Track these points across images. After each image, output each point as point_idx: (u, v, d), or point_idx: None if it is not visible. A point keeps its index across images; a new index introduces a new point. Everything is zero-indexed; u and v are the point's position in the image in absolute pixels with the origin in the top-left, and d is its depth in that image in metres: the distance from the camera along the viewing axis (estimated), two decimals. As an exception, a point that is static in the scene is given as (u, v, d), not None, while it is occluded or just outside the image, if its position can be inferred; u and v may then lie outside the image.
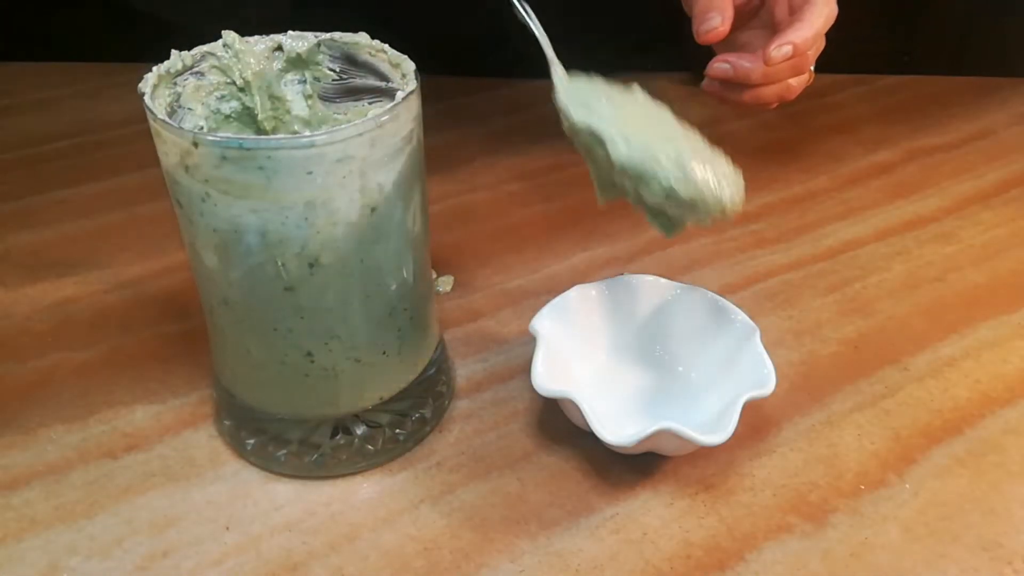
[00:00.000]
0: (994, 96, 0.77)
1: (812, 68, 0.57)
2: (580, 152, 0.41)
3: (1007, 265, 0.56)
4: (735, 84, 0.56)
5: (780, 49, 0.53)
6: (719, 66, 0.56)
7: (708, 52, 0.60)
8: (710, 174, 0.39)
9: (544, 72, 0.80)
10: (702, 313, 0.46)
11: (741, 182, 0.39)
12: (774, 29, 0.57)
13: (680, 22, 0.71)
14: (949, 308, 0.53)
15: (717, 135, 0.73)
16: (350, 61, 0.41)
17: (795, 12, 0.55)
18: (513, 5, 0.42)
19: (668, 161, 0.38)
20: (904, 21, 0.81)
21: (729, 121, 0.73)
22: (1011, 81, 0.80)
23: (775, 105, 0.58)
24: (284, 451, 0.41)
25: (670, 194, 0.38)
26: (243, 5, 0.58)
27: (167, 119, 0.33)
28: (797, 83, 0.56)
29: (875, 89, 0.79)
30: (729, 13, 0.54)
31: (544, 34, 0.41)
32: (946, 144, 0.70)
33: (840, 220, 0.61)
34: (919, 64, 0.81)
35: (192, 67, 0.39)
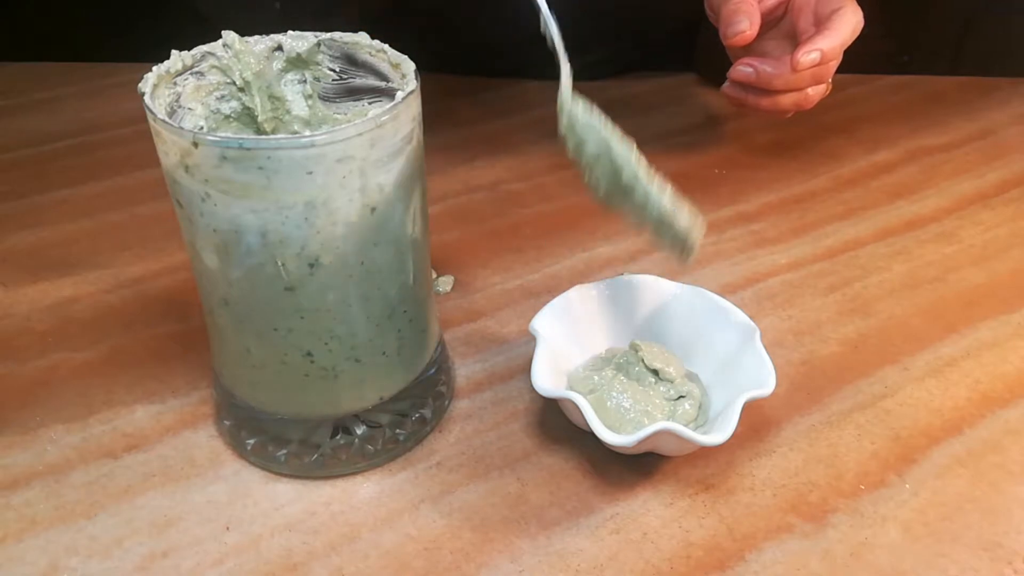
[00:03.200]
0: (994, 96, 0.77)
1: (830, 79, 0.58)
2: (573, 154, 0.41)
3: (1007, 265, 0.56)
4: (755, 89, 0.57)
5: (808, 55, 0.53)
6: (742, 69, 0.56)
7: (721, 57, 0.60)
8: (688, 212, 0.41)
9: (544, 74, 0.80)
10: (702, 313, 0.46)
11: (702, 226, 0.41)
12: (796, 39, 0.57)
13: (690, 25, 0.72)
14: (949, 308, 0.53)
15: (718, 135, 0.74)
16: (350, 61, 0.41)
17: (820, 22, 0.55)
18: (533, 3, 0.41)
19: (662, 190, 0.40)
20: (904, 21, 0.81)
21: (729, 121, 0.73)
22: (1011, 81, 0.80)
23: (791, 113, 0.59)
24: (284, 451, 0.41)
25: (663, 219, 0.40)
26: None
27: (167, 119, 0.33)
28: (815, 92, 0.57)
29: (875, 89, 0.79)
30: (756, 18, 0.55)
31: (559, 34, 0.41)
32: (946, 144, 0.70)
33: (840, 220, 0.61)
34: (919, 64, 0.81)
35: (192, 67, 0.38)
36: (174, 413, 0.45)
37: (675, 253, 0.41)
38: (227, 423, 0.43)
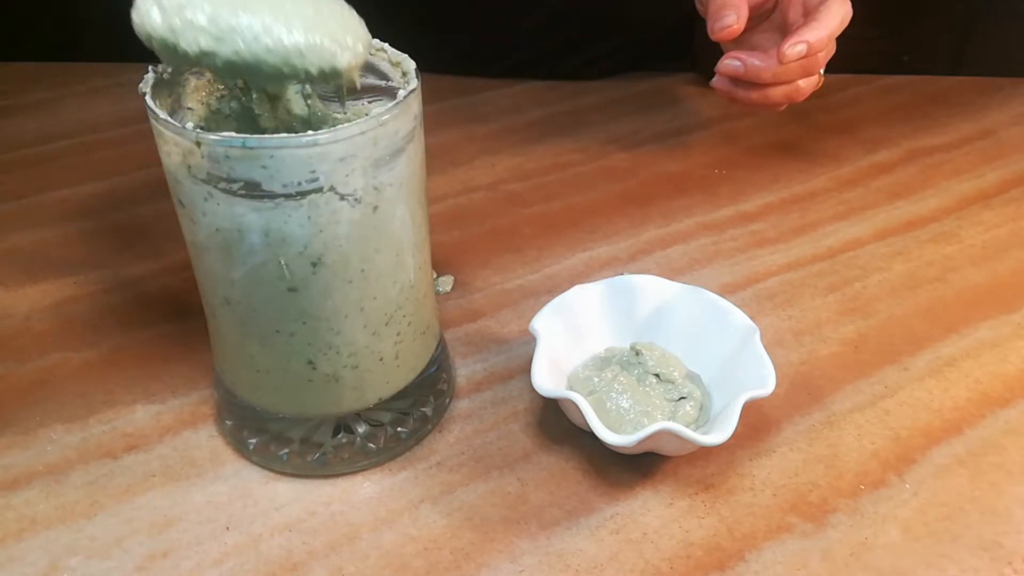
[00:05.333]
0: (994, 96, 0.77)
1: (822, 71, 0.57)
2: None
3: (1007, 265, 0.56)
4: (745, 82, 0.56)
5: (795, 47, 0.53)
6: (730, 63, 0.56)
7: (717, 53, 0.60)
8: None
9: (544, 74, 0.81)
10: (702, 313, 0.46)
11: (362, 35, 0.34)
12: (786, 31, 0.57)
13: (690, 22, 0.72)
14: (949, 308, 0.53)
15: (718, 135, 0.74)
16: (350, 60, 0.40)
17: (809, 14, 0.55)
18: None
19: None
20: (904, 21, 0.81)
21: (729, 120, 0.73)
22: (1011, 81, 0.80)
23: (783, 107, 0.58)
24: (286, 450, 0.41)
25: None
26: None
27: (170, 119, 0.33)
28: (806, 85, 0.57)
29: (875, 89, 0.79)
30: (744, 12, 0.54)
31: None
32: (946, 144, 0.70)
33: (840, 220, 0.61)
34: (919, 64, 0.81)
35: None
36: (174, 413, 0.45)
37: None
38: (228, 423, 0.43)
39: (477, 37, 0.77)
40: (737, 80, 0.57)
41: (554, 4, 0.75)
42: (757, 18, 0.59)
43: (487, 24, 0.76)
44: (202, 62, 0.33)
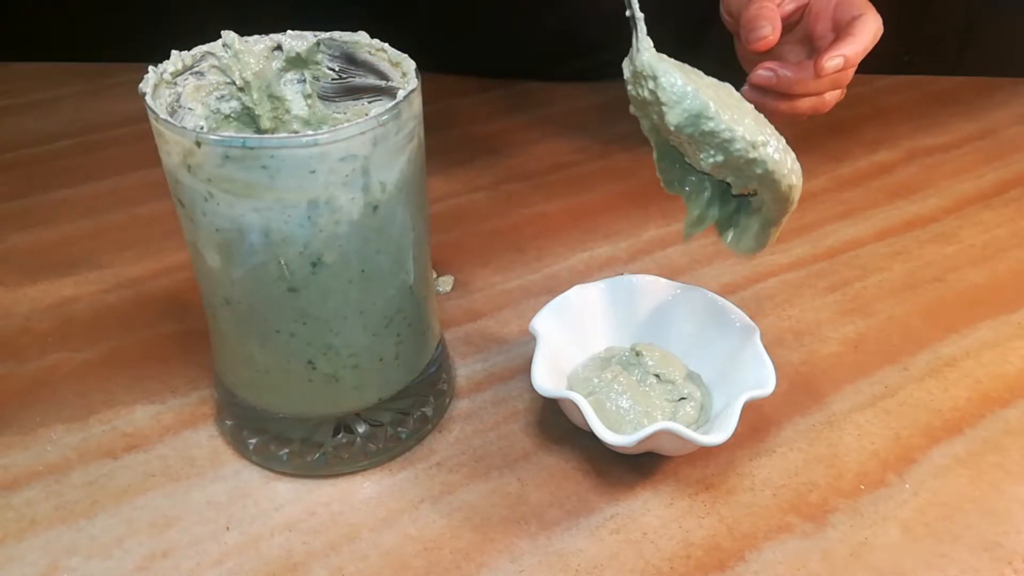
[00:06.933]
0: (994, 96, 0.77)
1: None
2: (648, 133, 0.41)
3: (1007, 265, 0.56)
4: (774, 93, 0.57)
5: (832, 60, 0.53)
6: (763, 73, 0.56)
7: (731, 60, 0.60)
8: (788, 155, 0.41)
9: (544, 74, 0.80)
10: (702, 313, 0.46)
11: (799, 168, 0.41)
12: (811, 44, 0.57)
13: (704, 30, 0.71)
14: (949, 308, 0.53)
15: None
16: (350, 60, 0.41)
17: (839, 28, 0.56)
18: None
19: (760, 136, 0.39)
20: (904, 21, 0.81)
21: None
22: (1011, 81, 0.80)
23: (806, 118, 0.59)
24: (286, 450, 0.41)
25: (766, 174, 0.40)
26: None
27: (170, 119, 0.33)
28: (831, 97, 0.57)
29: (875, 89, 0.79)
30: (778, 23, 0.55)
31: None
32: (946, 144, 0.70)
33: (840, 220, 0.61)
34: (919, 64, 0.81)
35: (192, 67, 0.38)
36: (174, 413, 0.45)
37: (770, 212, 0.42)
38: (229, 423, 0.43)
39: (478, 38, 0.77)
40: (767, 90, 0.57)
41: (556, 18, 0.75)
42: (783, 29, 0.59)
43: (489, 25, 0.76)
44: (706, 143, 0.38)
